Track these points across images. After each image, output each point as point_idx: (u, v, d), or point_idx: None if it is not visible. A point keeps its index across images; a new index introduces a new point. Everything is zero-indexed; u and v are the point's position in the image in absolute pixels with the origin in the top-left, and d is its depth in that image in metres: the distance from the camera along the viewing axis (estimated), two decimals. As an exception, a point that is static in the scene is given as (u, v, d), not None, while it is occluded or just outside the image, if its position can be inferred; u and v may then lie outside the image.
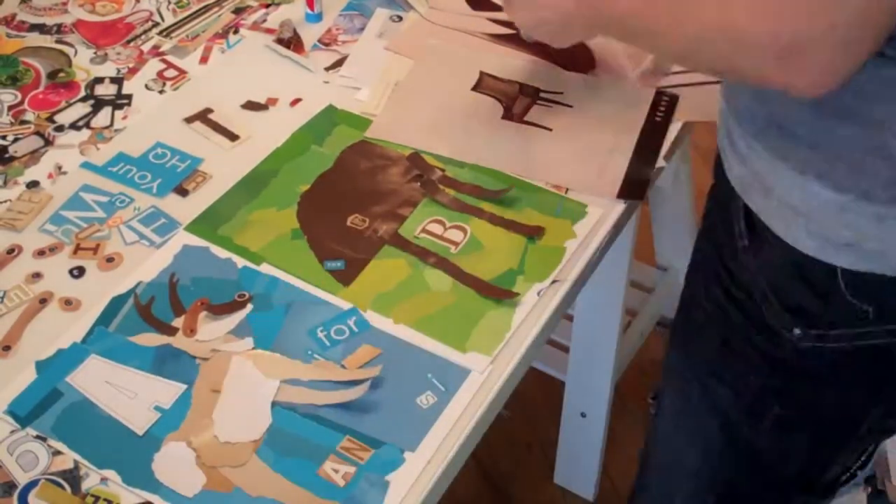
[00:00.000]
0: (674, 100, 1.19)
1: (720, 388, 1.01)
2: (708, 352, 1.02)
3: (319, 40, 1.30)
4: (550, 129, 1.16)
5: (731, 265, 0.96)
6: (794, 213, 0.86)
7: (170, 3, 1.37)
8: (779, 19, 0.71)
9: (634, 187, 1.09)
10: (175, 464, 0.85)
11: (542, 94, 1.20)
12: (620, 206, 1.08)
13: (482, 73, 1.23)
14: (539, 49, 1.26)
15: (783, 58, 0.73)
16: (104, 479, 0.84)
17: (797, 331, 0.91)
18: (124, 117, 1.19)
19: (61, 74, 1.25)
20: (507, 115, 1.17)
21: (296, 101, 1.20)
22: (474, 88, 1.21)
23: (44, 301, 0.98)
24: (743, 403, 1.00)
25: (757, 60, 0.75)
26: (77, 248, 1.03)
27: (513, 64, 1.24)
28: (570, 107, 1.18)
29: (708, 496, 1.10)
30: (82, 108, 1.20)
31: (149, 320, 0.96)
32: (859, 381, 0.94)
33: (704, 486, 1.10)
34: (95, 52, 1.28)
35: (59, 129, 1.17)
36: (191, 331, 0.95)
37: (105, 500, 0.83)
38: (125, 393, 0.90)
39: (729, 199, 0.94)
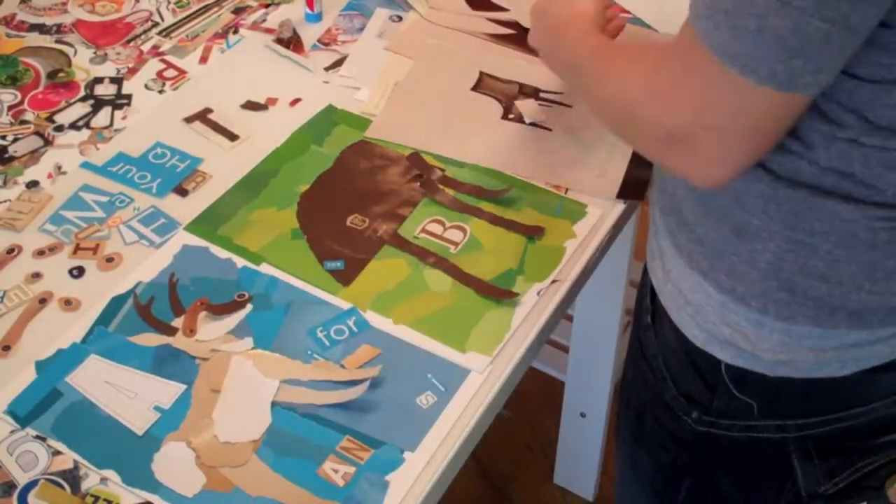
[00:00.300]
0: (674, 100, 1.19)
1: (644, 459, 1.04)
2: (632, 419, 1.05)
3: (319, 40, 1.30)
4: (550, 129, 1.16)
5: (640, 339, 0.97)
6: (685, 301, 0.88)
7: (170, 3, 1.37)
8: (666, 106, 0.75)
9: (634, 187, 1.09)
10: (175, 464, 0.85)
11: (541, 94, 1.20)
12: (620, 206, 1.08)
13: (482, 74, 1.23)
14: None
15: (665, 144, 0.76)
16: (104, 479, 0.84)
17: (694, 414, 0.92)
18: (124, 117, 1.19)
19: (61, 74, 1.25)
20: (507, 115, 1.17)
21: (296, 101, 1.20)
22: (474, 88, 1.21)
23: (44, 301, 0.98)
24: (661, 477, 1.02)
25: (644, 139, 0.80)
26: (77, 248, 1.03)
27: (512, 64, 1.24)
28: (570, 107, 1.18)
29: None
30: (82, 108, 1.20)
31: (148, 320, 0.96)
32: (756, 472, 0.94)
33: None
34: (95, 52, 1.28)
35: (59, 129, 1.17)
36: (190, 331, 0.95)
37: (105, 500, 0.83)
38: (125, 393, 0.90)
39: (645, 271, 0.96)
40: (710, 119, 0.72)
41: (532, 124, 1.16)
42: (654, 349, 0.95)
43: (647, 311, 0.96)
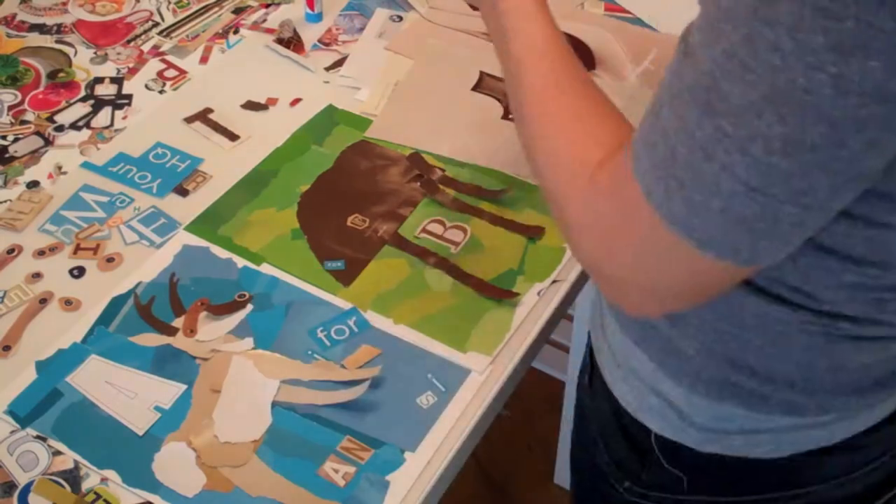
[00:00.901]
0: (674, 100, 1.19)
1: None
2: (574, 482, 1.03)
3: (319, 40, 1.30)
4: (550, 129, 1.15)
5: (580, 400, 0.95)
6: (618, 364, 0.85)
7: (170, 3, 1.37)
8: (597, 245, 0.65)
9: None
10: (175, 464, 0.85)
11: (542, 94, 1.20)
12: (620, 206, 1.08)
13: (482, 73, 1.23)
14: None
15: (592, 271, 0.68)
16: (104, 479, 0.84)
17: (626, 483, 0.89)
18: (124, 117, 1.19)
19: (61, 74, 1.25)
20: (508, 114, 1.17)
21: (296, 101, 1.20)
22: (474, 88, 1.21)
23: (44, 301, 0.98)
24: None
25: (570, 244, 0.70)
26: (77, 248, 1.03)
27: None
28: (571, 107, 1.18)
29: None
30: (82, 108, 1.20)
31: (149, 320, 0.96)
32: None
33: None
34: (95, 52, 1.28)
35: (59, 129, 1.17)
36: (191, 331, 0.95)
37: (104, 500, 0.83)
38: (125, 393, 0.90)
39: (589, 334, 0.93)
40: (650, 279, 0.63)
41: (532, 124, 1.16)
42: (590, 411, 0.93)
43: (585, 370, 0.93)
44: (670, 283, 0.63)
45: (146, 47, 1.29)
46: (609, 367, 0.87)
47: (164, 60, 1.27)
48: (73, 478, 0.84)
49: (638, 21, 1.31)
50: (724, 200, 0.56)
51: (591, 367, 0.92)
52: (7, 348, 0.94)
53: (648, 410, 0.84)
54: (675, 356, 0.79)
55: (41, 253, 1.03)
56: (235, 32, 1.31)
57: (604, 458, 0.92)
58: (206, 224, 1.05)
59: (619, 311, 0.82)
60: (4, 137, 1.16)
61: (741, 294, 0.71)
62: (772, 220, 0.57)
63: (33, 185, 1.10)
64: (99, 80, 1.24)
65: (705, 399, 0.79)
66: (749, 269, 0.61)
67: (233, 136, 1.15)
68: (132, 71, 1.25)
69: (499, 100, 1.19)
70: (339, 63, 1.26)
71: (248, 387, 0.90)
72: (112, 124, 1.18)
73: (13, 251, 1.03)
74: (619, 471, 0.90)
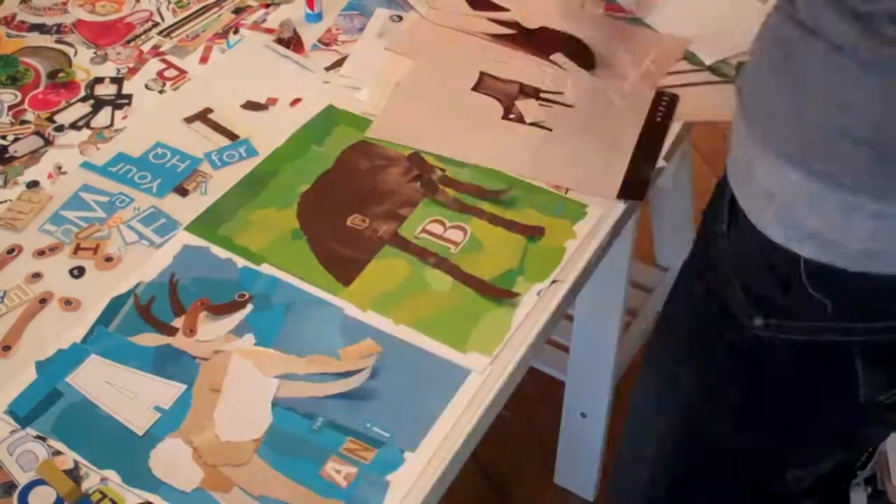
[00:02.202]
0: (674, 100, 1.19)
1: (685, 377, 1.02)
2: (677, 340, 1.03)
3: (319, 40, 1.30)
4: (551, 130, 1.16)
5: (709, 252, 0.96)
6: (769, 198, 0.87)
7: (170, 3, 1.37)
8: None
9: (634, 187, 1.09)
10: (172, 459, 0.85)
11: (542, 94, 1.20)
12: (620, 207, 1.08)
13: (482, 74, 1.23)
14: (538, 49, 1.26)
15: None
16: (104, 479, 0.84)
17: (758, 320, 0.91)
18: (124, 117, 1.19)
19: (61, 74, 1.25)
20: (508, 115, 1.17)
21: (296, 101, 1.20)
22: (474, 88, 1.21)
23: (44, 301, 0.98)
24: (703, 392, 1.00)
25: None
26: (77, 248, 1.03)
27: (513, 64, 1.24)
28: (571, 107, 1.19)
29: (660, 487, 1.10)
30: (82, 108, 1.20)
31: (149, 320, 0.96)
32: (815, 379, 0.93)
33: (659, 477, 1.10)
34: (95, 52, 1.28)
35: (59, 129, 1.17)
36: (191, 331, 0.95)
37: (110, 499, 0.83)
38: (125, 393, 0.90)
39: (722, 186, 0.94)
40: None
41: (532, 124, 1.16)
42: (724, 255, 0.94)
43: (721, 220, 0.94)
44: None
45: (146, 47, 1.29)
46: (758, 208, 0.88)
47: (164, 60, 1.27)
48: (73, 477, 0.84)
49: (638, 21, 1.31)
50: None
51: (728, 218, 0.93)
52: (7, 348, 0.94)
53: (801, 237, 0.85)
54: (838, 158, 0.80)
55: (41, 253, 1.02)
56: (235, 32, 1.31)
57: (737, 298, 0.92)
58: (206, 224, 1.05)
59: (774, 136, 0.84)
60: (4, 137, 1.16)
61: None
62: None
63: (33, 185, 1.10)
64: (99, 80, 1.24)
65: (869, 202, 0.80)
66: None
67: (233, 136, 1.15)
68: (132, 71, 1.25)
69: (499, 100, 1.19)
70: (339, 63, 1.26)
71: (248, 386, 0.90)
72: (112, 124, 1.18)
73: (13, 251, 1.03)
74: (754, 305, 0.91)
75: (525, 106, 1.18)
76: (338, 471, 0.84)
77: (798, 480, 1.03)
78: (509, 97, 1.20)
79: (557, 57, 1.24)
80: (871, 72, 0.77)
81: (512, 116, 1.17)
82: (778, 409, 0.97)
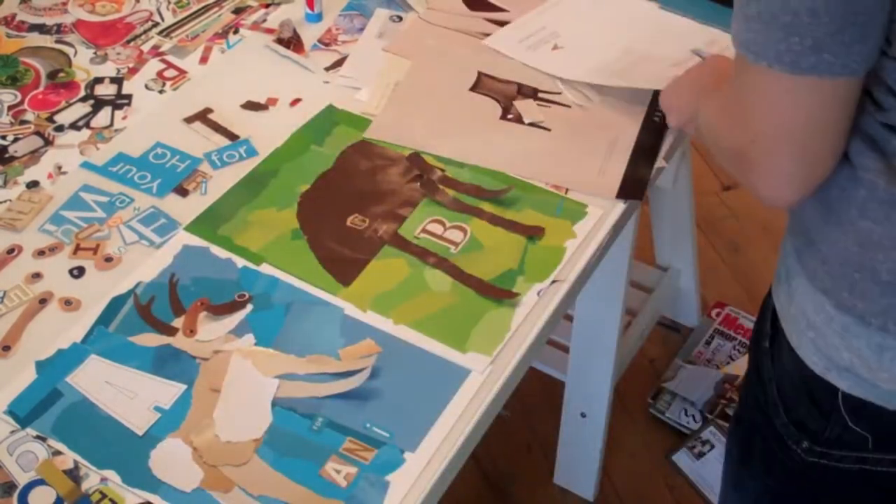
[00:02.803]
0: (674, 100, 1.19)
1: (749, 480, 1.02)
2: (740, 441, 1.03)
3: (319, 40, 1.30)
4: (549, 129, 1.16)
5: (760, 368, 0.96)
6: (807, 324, 0.86)
7: (170, 3, 1.37)
8: (726, 128, 0.81)
9: (634, 187, 1.09)
10: (172, 459, 0.85)
11: (540, 94, 1.20)
12: (620, 206, 1.08)
13: (480, 74, 1.23)
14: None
15: (736, 166, 0.82)
16: (104, 479, 0.84)
17: (804, 444, 0.91)
18: (124, 117, 1.19)
19: (61, 74, 1.25)
20: (506, 115, 1.17)
21: (296, 101, 1.20)
22: (472, 89, 1.21)
23: (44, 301, 0.98)
24: (768, 499, 1.00)
25: (727, 164, 0.85)
26: (77, 248, 1.03)
27: (511, 64, 1.24)
28: (569, 107, 1.19)
29: None
30: (82, 108, 1.20)
31: (149, 320, 0.96)
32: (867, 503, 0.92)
33: None
34: (95, 52, 1.28)
35: (59, 129, 1.17)
36: (191, 331, 0.95)
37: (110, 499, 0.83)
38: (125, 393, 0.90)
39: (769, 296, 0.95)
40: (755, 125, 0.76)
41: (531, 124, 1.16)
42: (770, 374, 0.93)
43: (766, 336, 0.94)
44: (768, 125, 0.75)
45: (146, 47, 1.29)
46: (796, 331, 0.88)
47: (164, 60, 1.27)
48: (73, 477, 0.84)
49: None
50: (757, 3, 0.71)
51: (772, 333, 0.94)
52: (7, 348, 0.94)
53: (837, 369, 0.84)
54: (866, 296, 0.81)
55: (41, 253, 1.03)
56: (235, 32, 1.31)
57: (782, 420, 0.92)
58: (206, 224, 1.05)
59: (810, 263, 0.85)
60: (4, 137, 1.16)
61: None
62: (789, 12, 0.69)
63: (33, 185, 1.10)
64: (99, 80, 1.24)
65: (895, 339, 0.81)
66: (811, 87, 0.72)
67: (233, 136, 1.15)
68: (132, 71, 1.25)
69: (497, 100, 1.19)
70: (339, 63, 1.26)
71: (248, 386, 0.90)
72: (112, 124, 1.18)
73: (13, 251, 1.03)
74: (800, 431, 0.91)
75: (523, 106, 1.18)
76: (337, 471, 0.84)
77: None
78: (507, 97, 1.20)
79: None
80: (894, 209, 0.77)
81: (510, 117, 1.17)
82: None
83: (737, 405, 1.07)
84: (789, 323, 0.89)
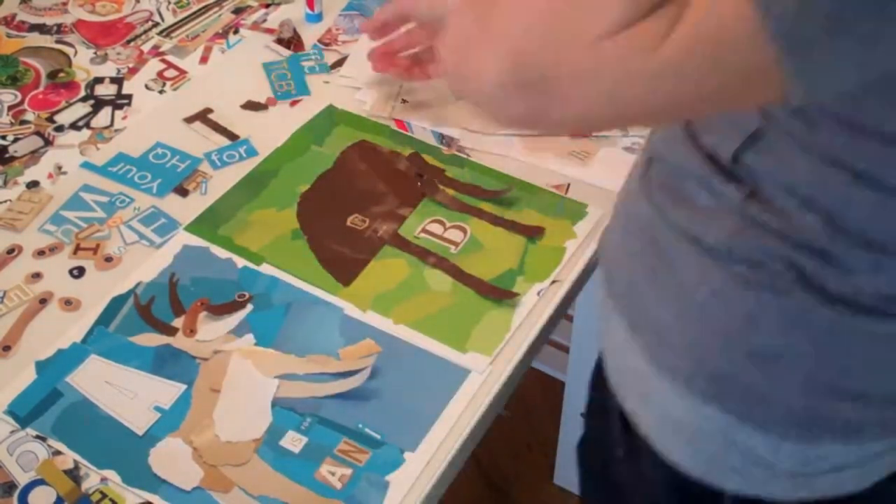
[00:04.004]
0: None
1: None
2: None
3: (320, 40, 1.30)
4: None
5: (613, 473, 0.88)
6: (676, 427, 0.77)
7: (170, 3, 1.37)
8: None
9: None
10: (172, 459, 0.85)
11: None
12: (620, 207, 1.08)
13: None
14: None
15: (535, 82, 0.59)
16: (104, 479, 0.84)
17: None
18: (124, 117, 1.19)
19: (61, 74, 1.25)
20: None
21: (296, 102, 1.20)
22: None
23: (44, 301, 0.98)
24: None
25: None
26: (77, 248, 1.03)
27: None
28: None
29: None
30: (82, 108, 1.20)
31: (149, 320, 0.96)
32: None
33: None
34: (95, 52, 1.28)
35: (59, 129, 1.17)
36: (191, 331, 0.95)
37: (110, 499, 0.83)
38: (125, 393, 0.90)
39: (606, 397, 0.85)
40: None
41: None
42: (631, 487, 0.86)
43: (617, 444, 0.85)
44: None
45: (146, 47, 1.29)
46: (663, 435, 0.79)
47: (164, 60, 1.27)
48: (73, 478, 0.84)
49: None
50: None
51: (625, 440, 0.84)
52: (7, 348, 0.94)
53: (722, 471, 0.77)
54: (759, 404, 0.72)
55: (41, 253, 1.03)
56: (235, 32, 1.31)
57: None
58: (206, 224, 1.05)
59: (678, 370, 0.74)
60: (4, 137, 1.16)
61: (845, 315, 0.67)
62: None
63: (33, 185, 1.10)
64: (99, 80, 1.24)
65: (796, 444, 0.73)
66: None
67: (233, 136, 1.16)
68: (132, 71, 1.25)
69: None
70: (339, 63, 1.26)
71: (248, 386, 0.90)
72: (112, 124, 1.18)
73: (13, 251, 1.03)
74: None
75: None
76: (332, 473, 0.84)
77: None
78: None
79: None
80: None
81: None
82: None
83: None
84: (649, 427, 0.79)
